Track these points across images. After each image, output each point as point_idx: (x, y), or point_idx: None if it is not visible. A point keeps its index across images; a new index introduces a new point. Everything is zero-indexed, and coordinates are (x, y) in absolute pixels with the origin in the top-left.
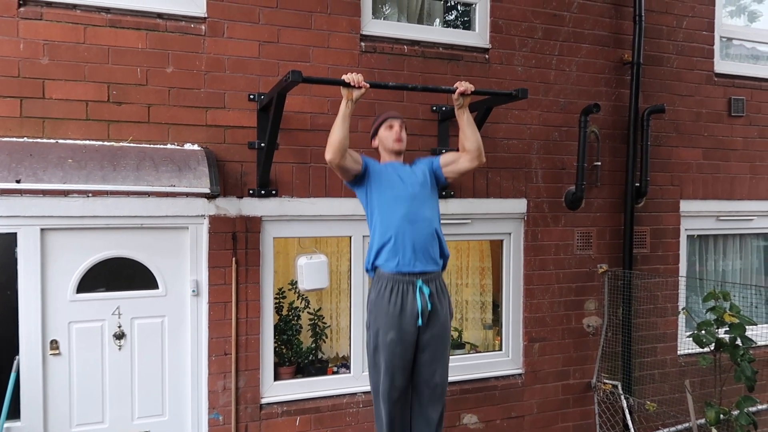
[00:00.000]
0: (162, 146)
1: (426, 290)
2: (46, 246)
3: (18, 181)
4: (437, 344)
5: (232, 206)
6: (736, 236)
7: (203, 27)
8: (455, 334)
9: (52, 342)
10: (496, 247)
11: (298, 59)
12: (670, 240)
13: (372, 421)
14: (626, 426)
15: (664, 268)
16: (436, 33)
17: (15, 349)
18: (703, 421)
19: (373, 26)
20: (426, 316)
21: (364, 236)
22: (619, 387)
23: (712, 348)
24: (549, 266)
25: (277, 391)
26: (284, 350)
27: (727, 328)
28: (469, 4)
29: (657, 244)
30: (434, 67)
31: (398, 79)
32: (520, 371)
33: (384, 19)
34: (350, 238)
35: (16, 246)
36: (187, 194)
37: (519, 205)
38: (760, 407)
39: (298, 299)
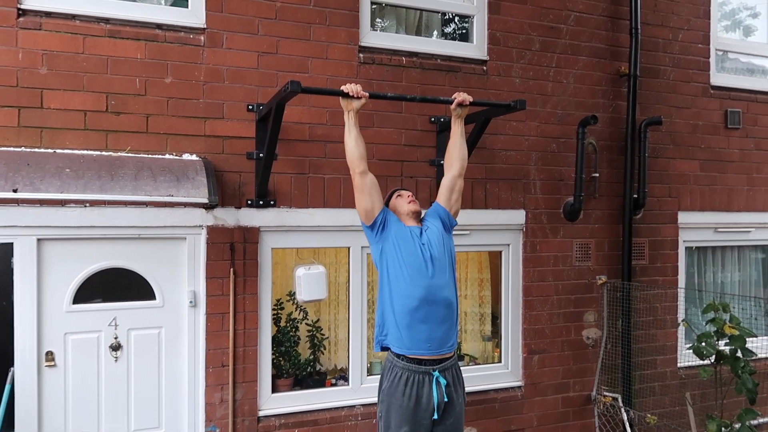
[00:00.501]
0: (160, 156)
1: (443, 381)
2: (43, 256)
3: (15, 191)
4: None
5: (230, 217)
6: (734, 248)
7: (202, 38)
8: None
9: (47, 353)
10: (494, 259)
11: (297, 70)
12: (668, 251)
13: None
14: None
15: (663, 280)
16: (434, 45)
17: (10, 361)
18: None
19: (371, 38)
20: (442, 408)
21: (362, 247)
22: (620, 399)
23: (713, 360)
24: (548, 277)
25: (275, 403)
26: (282, 362)
27: (728, 340)
28: (467, 17)
29: (655, 255)
30: (432, 78)
31: (396, 91)
32: (519, 383)
33: (382, 30)
34: (349, 248)
35: (12, 256)
36: (185, 204)
37: (517, 217)
38: (761, 420)
39: (296, 310)
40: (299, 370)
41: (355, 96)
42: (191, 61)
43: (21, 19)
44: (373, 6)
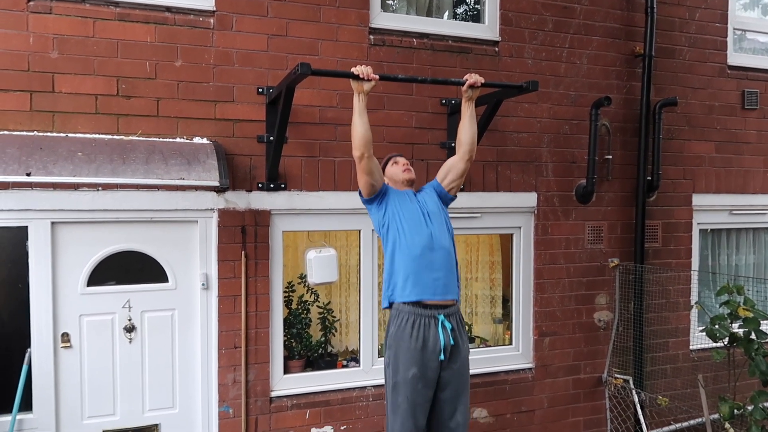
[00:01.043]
0: (171, 140)
1: (448, 325)
2: (57, 239)
3: (28, 174)
4: (458, 381)
5: (241, 200)
6: (749, 230)
7: (212, 20)
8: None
9: (63, 335)
10: (506, 241)
11: (307, 52)
12: (682, 234)
13: (382, 415)
14: (637, 421)
15: (676, 263)
16: (445, 26)
17: (27, 342)
18: (716, 416)
19: (381, 19)
20: (448, 351)
21: (372, 230)
22: (631, 382)
23: (726, 342)
24: (559, 260)
25: (287, 384)
26: (294, 344)
27: (741, 323)
28: None
29: (669, 238)
30: (443, 60)
31: (407, 72)
32: (530, 365)
33: (393, 11)
34: (359, 231)
35: (27, 239)
36: (197, 188)
37: (529, 199)
38: None
39: (307, 293)
40: (311, 351)
41: (366, 78)
42: (201, 44)
43: (31, 3)
44: None
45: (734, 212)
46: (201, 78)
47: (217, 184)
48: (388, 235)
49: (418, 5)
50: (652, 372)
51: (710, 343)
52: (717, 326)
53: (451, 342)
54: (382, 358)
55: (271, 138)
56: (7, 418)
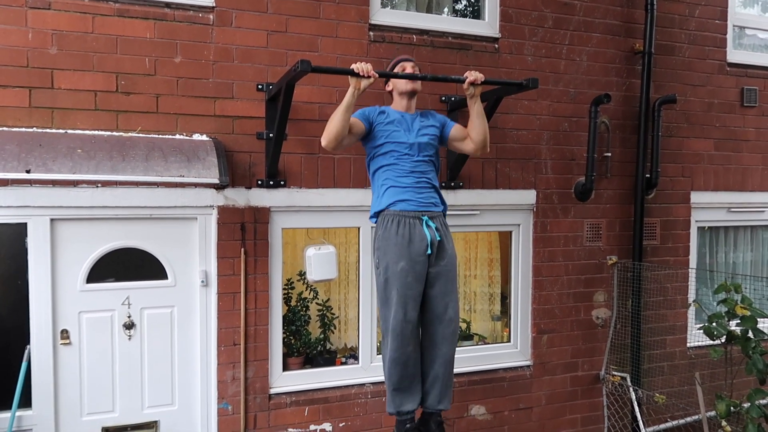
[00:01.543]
0: (171, 136)
1: (432, 224)
2: (56, 236)
3: (28, 171)
4: (447, 277)
5: (240, 197)
6: (747, 228)
7: (211, 16)
8: (463, 326)
9: (62, 331)
10: (504, 239)
11: (307, 49)
12: (680, 231)
13: (381, 411)
14: (635, 418)
15: (674, 260)
16: (445, 22)
17: (26, 339)
18: (713, 413)
19: (381, 15)
20: (435, 246)
21: (372, 227)
22: (628, 379)
23: (723, 340)
24: (558, 258)
25: (286, 381)
26: (293, 341)
27: (739, 321)
28: None
29: (667, 235)
30: (443, 56)
31: None
32: (528, 363)
33: (392, 8)
34: (358, 229)
35: (26, 236)
36: (196, 185)
37: (528, 196)
38: None
39: (306, 290)
40: (310, 348)
41: (365, 75)
42: (200, 41)
43: None
44: None
45: (732, 210)
46: (200, 74)
47: (216, 181)
48: (374, 159)
49: (418, 2)
50: (649, 369)
51: (707, 341)
52: (714, 324)
53: (437, 238)
54: (381, 356)
55: (271, 135)
56: (7, 414)
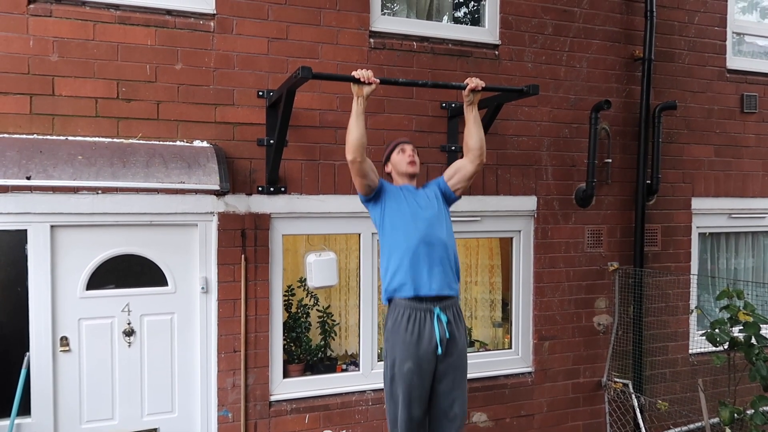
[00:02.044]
0: (171, 143)
1: (444, 318)
2: (56, 243)
3: (28, 178)
4: (455, 373)
5: (241, 203)
6: (748, 234)
7: (212, 24)
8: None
9: (62, 338)
10: (505, 245)
11: (307, 56)
12: (681, 238)
13: (381, 419)
14: (637, 425)
15: (676, 266)
16: (445, 29)
17: (25, 346)
18: (716, 420)
19: (382, 22)
20: (444, 344)
21: (372, 233)
22: (630, 386)
23: (726, 347)
24: (559, 264)
25: (287, 388)
26: (293, 348)
27: (741, 327)
28: (479, 0)
29: (668, 241)
30: (443, 63)
31: (407, 76)
32: (529, 369)
33: (393, 15)
34: (359, 235)
35: (26, 243)
36: (197, 191)
37: (529, 203)
38: None
39: (307, 296)
40: (310, 355)
41: (366, 82)
42: (201, 48)
43: (31, 6)
44: None
45: (733, 216)
46: (201, 81)
47: (217, 188)
48: (384, 232)
49: (419, 8)
50: (651, 376)
51: (709, 347)
52: (717, 330)
53: (447, 335)
54: (382, 362)
55: (272, 141)
56: (6, 422)
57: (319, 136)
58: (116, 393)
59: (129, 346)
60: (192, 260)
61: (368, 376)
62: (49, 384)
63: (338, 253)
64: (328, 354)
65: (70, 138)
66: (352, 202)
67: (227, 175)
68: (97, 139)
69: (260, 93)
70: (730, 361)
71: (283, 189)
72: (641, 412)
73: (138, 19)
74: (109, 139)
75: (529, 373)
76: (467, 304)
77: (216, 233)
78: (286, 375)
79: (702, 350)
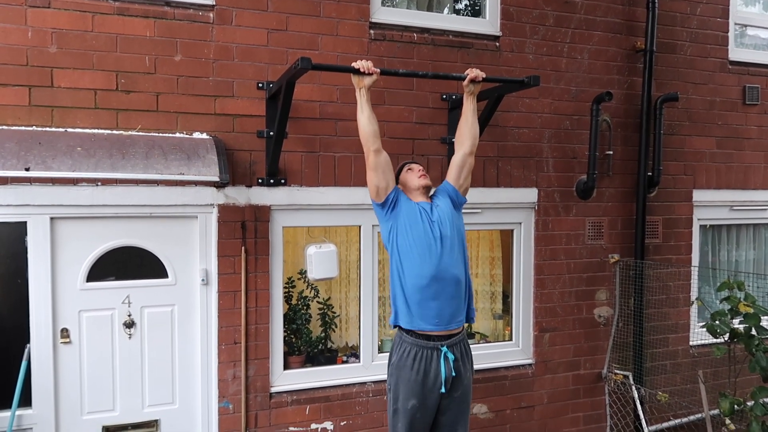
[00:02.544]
0: (171, 135)
1: (451, 357)
2: (56, 235)
3: (27, 169)
4: (458, 407)
5: (241, 195)
6: (749, 226)
7: (211, 15)
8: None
9: (62, 330)
10: (506, 237)
11: (307, 47)
12: (682, 230)
13: (382, 410)
14: (637, 416)
15: (677, 258)
16: (446, 20)
17: (26, 338)
18: (716, 411)
19: (382, 14)
20: (449, 382)
21: (373, 225)
22: (630, 377)
23: (726, 338)
24: (560, 256)
25: (287, 380)
26: (294, 339)
27: (742, 318)
28: None
29: (669, 233)
30: (444, 55)
31: (408, 67)
32: (530, 361)
33: (393, 6)
34: (360, 227)
35: (26, 235)
36: (196, 183)
37: (530, 195)
38: None
39: (307, 288)
40: (311, 347)
41: (367, 72)
42: (200, 39)
43: None
44: None
45: (735, 208)
46: (201, 73)
47: (217, 179)
48: (395, 253)
49: (419, 0)
50: (651, 368)
51: (710, 339)
52: (718, 322)
53: (453, 374)
54: (382, 354)
55: (271, 133)
56: (7, 413)
57: (319, 128)
58: (117, 384)
59: (129, 337)
60: (192, 252)
61: (369, 368)
62: (50, 376)
63: (339, 245)
64: (329, 346)
65: (69, 130)
66: (353, 194)
67: (227, 167)
68: (96, 130)
69: (260, 84)
70: (730, 352)
71: (283, 181)
72: (641, 403)
73: (137, 10)
74: (109, 131)
75: (530, 364)
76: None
77: (216, 225)
78: (286, 366)
79: (702, 342)
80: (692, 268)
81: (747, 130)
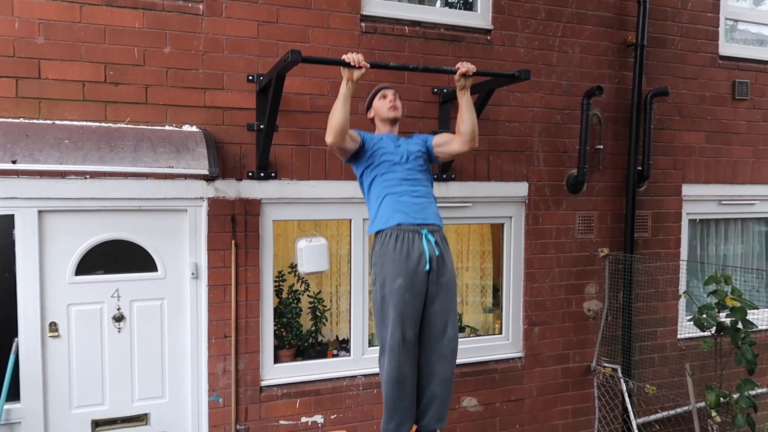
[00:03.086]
0: (160, 128)
1: (432, 238)
2: (44, 228)
3: (14, 162)
4: (447, 294)
5: (231, 188)
6: (737, 220)
7: (201, 6)
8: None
9: (51, 324)
10: (496, 231)
11: (298, 40)
12: (671, 224)
13: (372, 404)
14: (625, 409)
15: (665, 252)
16: (437, 13)
17: (14, 332)
18: (702, 404)
19: (373, 6)
20: (434, 261)
21: (364, 219)
22: (619, 371)
23: (713, 331)
24: (550, 250)
25: (277, 373)
26: (284, 333)
27: (729, 312)
28: None
29: (658, 228)
30: (435, 48)
31: (399, 60)
32: (520, 354)
33: None
34: (350, 221)
35: (13, 228)
36: (186, 176)
37: (520, 189)
38: (759, 390)
39: (297, 282)
40: (301, 341)
41: (356, 65)
42: (190, 31)
43: None
44: None
45: (723, 202)
46: (190, 65)
47: (206, 172)
48: (367, 175)
49: None
50: (640, 361)
51: (698, 333)
52: (705, 315)
53: (436, 252)
54: (373, 347)
55: (262, 126)
56: None
57: (309, 121)
58: (106, 378)
59: (119, 331)
60: (182, 246)
61: (359, 362)
62: (39, 369)
63: (329, 238)
64: (319, 339)
65: (57, 122)
66: (343, 188)
67: (216, 160)
68: (84, 123)
69: (250, 77)
70: (716, 345)
71: (273, 174)
72: (630, 396)
73: (125, 1)
74: (97, 123)
75: (519, 358)
76: (458, 290)
77: (206, 219)
78: (276, 360)
79: (690, 335)
80: (681, 262)
81: (736, 125)
